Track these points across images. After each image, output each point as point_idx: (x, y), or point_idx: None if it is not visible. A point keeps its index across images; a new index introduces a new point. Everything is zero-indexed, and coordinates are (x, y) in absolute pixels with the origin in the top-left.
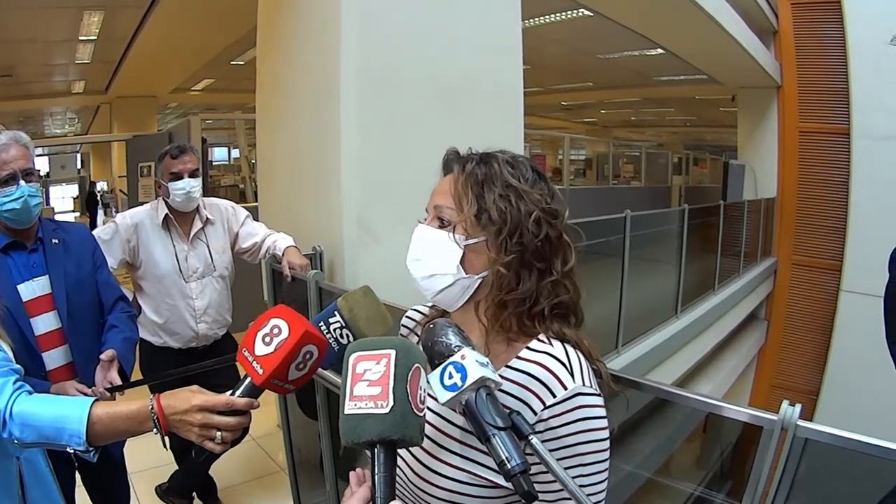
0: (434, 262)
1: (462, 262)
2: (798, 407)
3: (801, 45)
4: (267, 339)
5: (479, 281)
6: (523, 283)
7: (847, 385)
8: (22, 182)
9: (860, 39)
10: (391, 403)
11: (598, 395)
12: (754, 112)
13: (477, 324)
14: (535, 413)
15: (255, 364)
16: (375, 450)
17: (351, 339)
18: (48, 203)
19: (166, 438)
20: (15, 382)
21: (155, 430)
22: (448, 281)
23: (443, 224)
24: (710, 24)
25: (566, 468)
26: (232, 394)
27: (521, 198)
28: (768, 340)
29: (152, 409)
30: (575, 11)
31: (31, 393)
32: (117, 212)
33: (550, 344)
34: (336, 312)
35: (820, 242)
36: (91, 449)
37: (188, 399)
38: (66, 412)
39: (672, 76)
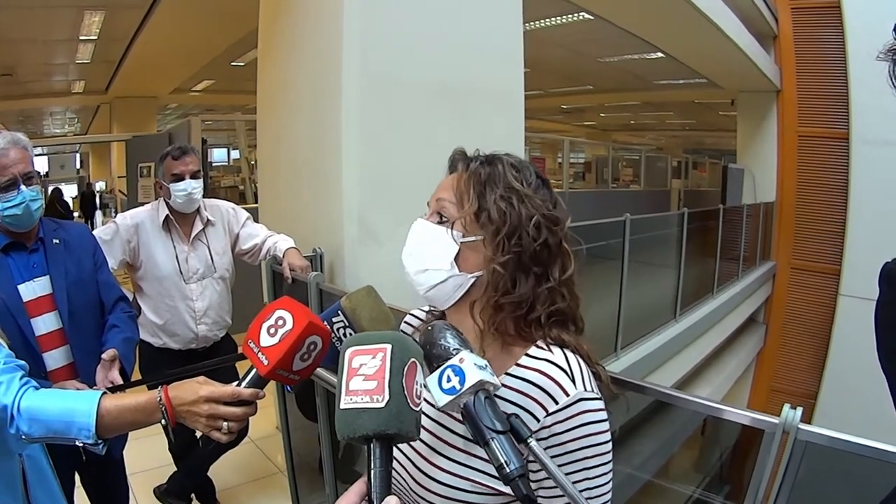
0: (428, 257)
1: (457, 259)
2: (799, 410)
3: (801, 50)
4: (272, 331)
5: (472, 280)
6: (519, 286)
7: (845, 388)
8: (23, 187)
9: (860, 44)
10: (387, 398)
11: (600, 399)
12: (754, 116)
13: (472, 325)
14: (538, 420)
15: (260, 355)
16: (371, 445)
17: None
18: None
19: (171, 435)
20: (21, 378)
21: (163, 420)
22: (441, 277)
23: (442, 220)
24: (710, 28)
25: (571, 473)
26: (238, 385)
27: (523, 201)
28: (767, 344)
29: (160, 400)
30: (575, 15)
31: (37, 388)
32: (116, 213)
33: (550, 350)
34: (339, 311)
35: (819, 246)
36: (100, 442)
37: (195, 390)
38: (75, 406)
39: (672, 80)
